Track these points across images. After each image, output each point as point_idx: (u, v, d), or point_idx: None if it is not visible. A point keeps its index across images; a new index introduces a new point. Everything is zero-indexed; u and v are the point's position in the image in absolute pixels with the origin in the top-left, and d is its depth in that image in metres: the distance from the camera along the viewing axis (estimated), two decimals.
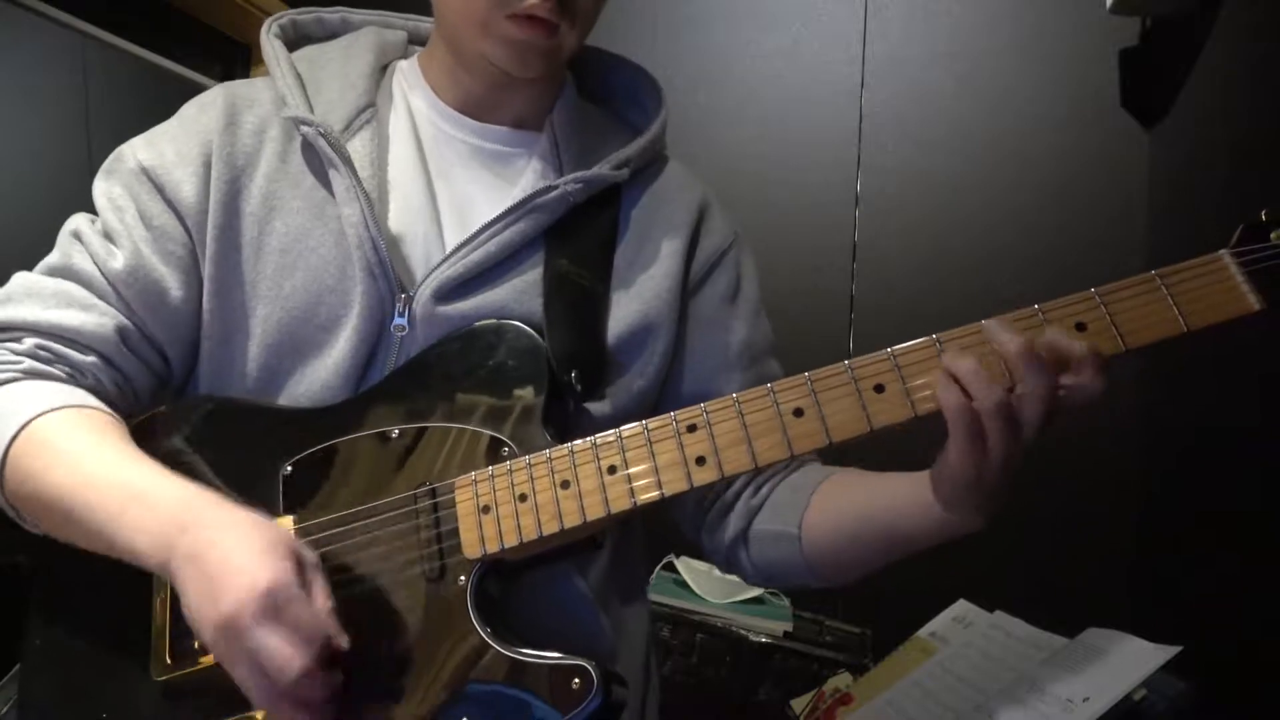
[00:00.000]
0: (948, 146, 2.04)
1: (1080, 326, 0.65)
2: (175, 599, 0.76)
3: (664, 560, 1.80)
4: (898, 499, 0.76)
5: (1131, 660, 0.87)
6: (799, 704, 1.47)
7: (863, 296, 2.07)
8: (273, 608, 0.63)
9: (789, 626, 1.65)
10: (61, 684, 0.81)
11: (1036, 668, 0.94)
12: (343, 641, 0.67)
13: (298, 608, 0.64)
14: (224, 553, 0.65)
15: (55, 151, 1.83)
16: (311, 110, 0.84)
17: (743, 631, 1.63)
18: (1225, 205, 1.55)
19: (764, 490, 0.90)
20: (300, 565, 0.67)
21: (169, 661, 0.77)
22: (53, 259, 0.83)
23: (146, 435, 0.81)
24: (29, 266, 0.84)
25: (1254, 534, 1.37)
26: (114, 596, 0.80)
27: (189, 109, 0.87)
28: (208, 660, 0.75)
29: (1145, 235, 1.91)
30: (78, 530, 0.73)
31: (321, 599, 0.67)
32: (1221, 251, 0.64)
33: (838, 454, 0.76)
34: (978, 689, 0.98)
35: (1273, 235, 0.63)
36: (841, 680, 1.47)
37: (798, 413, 0.69)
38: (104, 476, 0.72)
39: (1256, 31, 1.48)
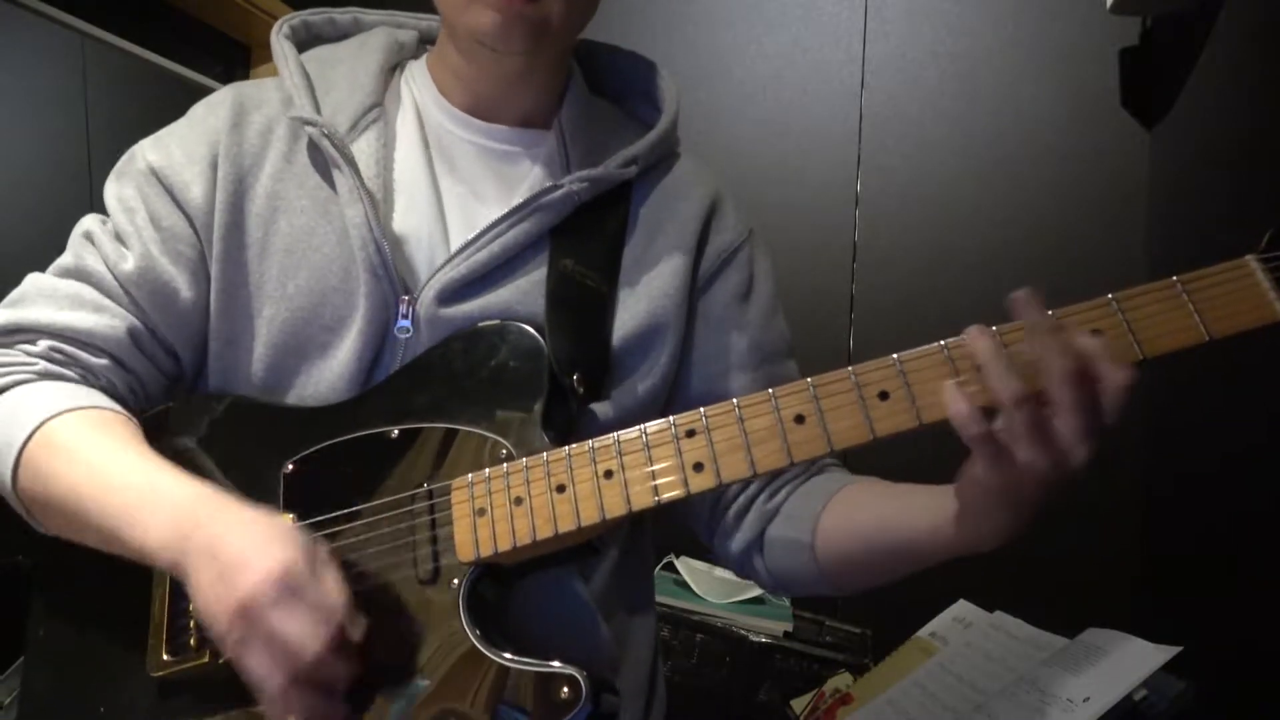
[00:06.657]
0: (948, 146, 2.03)
1: (1096, 334, 0.62)
2: (174, 594, 0.77)
3: (664, 560, 1.80)
4: (914, 511, 0.74)
5: (1131, 660, 0.87)
6: (799, 704, 1.47)
7: (863, 296, 2.07)
8: (288, 590, 0.64)
9: (789, 626, 1.64)
10: (61, 679, 0.81)
11: (1036, 668, 0.93)
12: (355, 631, 0.67)
13: (312, 590, 0.65)
14: (237, 544, 0.66)
15: (54, 151, 1.82)
16: (318, 111, 0.84)
17: (743, 631, 1.63)
18: (1226, 205, 1.55)
19: (780, 495, 0.87)
20: (310, 556, 0.68)
21: (165, 657, 0.77)
22: (65, 260, 0.83)
23: (154, 432, 0.81)
24: (28, 264, 0.84)
25: (1254, 534, 1.37)
26: (112, 593, 0.80)
27: (198, 109, 0.87)
28: (204, 656, 0.75)
29: (1145, 235, 1.90)
30: (89, 530, 0.73)
31: (332, 585, 0.68)
32: (1248, 257, 0.60)
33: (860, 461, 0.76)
34: (978, 689, 0.97)
35: None
36: (841, 680, 1.46)
37: (799, 419, 0.67)
38: (115, 477, 0.72)
39: (1256, 31, 1.48)
